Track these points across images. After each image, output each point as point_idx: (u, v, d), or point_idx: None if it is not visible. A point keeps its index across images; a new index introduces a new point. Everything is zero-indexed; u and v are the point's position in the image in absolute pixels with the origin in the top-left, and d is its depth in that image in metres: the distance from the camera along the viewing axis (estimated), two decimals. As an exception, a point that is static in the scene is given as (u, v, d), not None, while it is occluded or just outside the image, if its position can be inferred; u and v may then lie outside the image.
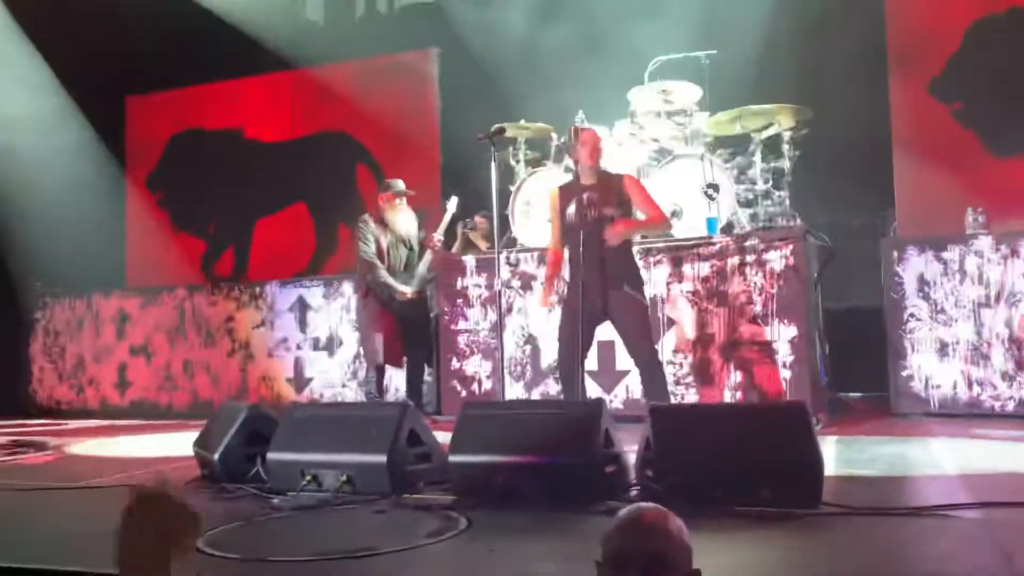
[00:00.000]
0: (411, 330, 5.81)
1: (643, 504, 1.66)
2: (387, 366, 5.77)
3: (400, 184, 5.88)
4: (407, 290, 5.71)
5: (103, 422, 7.00)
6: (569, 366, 4.51)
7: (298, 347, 6.86)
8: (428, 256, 5.83)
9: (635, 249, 4.97)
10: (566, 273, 4.67)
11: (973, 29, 6.57)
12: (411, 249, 5.88)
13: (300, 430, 3.69)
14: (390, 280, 5.70)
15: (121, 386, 7.46)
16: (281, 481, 3.56)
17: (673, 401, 5.32)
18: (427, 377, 6.17)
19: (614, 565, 1.57)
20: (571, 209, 4.50)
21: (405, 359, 5.83)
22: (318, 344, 6.80)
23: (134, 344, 7.44)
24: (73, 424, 6.92)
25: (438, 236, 5.84)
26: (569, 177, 5.04)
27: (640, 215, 4.67)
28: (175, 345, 7.30)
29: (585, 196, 4.44)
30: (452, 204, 5.93)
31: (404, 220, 5.84)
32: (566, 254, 4.66)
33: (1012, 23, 6.46)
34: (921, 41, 6.69)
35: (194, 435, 4.18)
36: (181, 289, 7.40)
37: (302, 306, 6.89)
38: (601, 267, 4.35)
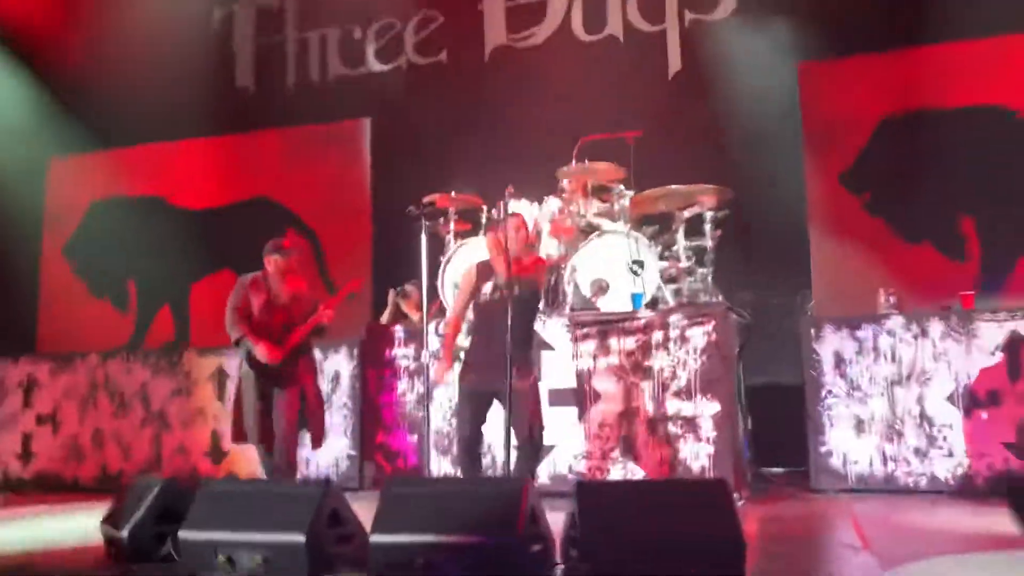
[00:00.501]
0: (277, 403, 5.10)
1: None
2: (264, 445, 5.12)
3: (282, 246, 5.33)
4: (267, 351, 5.00)
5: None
6: (473, 446, 4.55)
7: (215, 418, 6.63)
8: (304, 325, 5.11)
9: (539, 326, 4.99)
10: (464, 347, 4.75)
11: (882, 125, 6.96)
12: (291, 318, 5.15)
13: (215, 507, 3.55)
14: (248, 341, 5.05)
15: (24, 457, 7.07)
16: (194, 561, 3.41)
17: (598, 474, 5.33)
18: (310, 455, 5.95)
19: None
20: (486, 288, 4.58)
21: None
22: (237, 415, 6.58)
23: (41, 413, 7.09)
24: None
25: (331, 306, 5.18)
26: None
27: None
28: (85, 414, 6.99)
29: (501, 280, 4.49)
30: (356, 286, 5.47)
31: (286, 285, 5.22)
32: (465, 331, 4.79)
33: (918, 122, 6.87)
34: (833, 132, 7.05)
35: (101, 511, 3.98)
36: (94, 355, 7.12)
37: (220, 375, 6.69)
38: (505, 348, 4.31)
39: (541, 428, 4.57)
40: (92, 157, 8.99)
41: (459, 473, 4.92)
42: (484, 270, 4.69)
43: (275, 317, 5.18)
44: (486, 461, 5.27)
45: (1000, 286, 6.16)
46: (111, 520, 3.84)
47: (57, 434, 7.02)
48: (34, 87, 8.58)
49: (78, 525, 4.80)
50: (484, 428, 4.56)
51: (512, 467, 4.46)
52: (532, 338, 4.80)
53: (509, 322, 4.29)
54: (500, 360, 4.29)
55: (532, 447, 4.54)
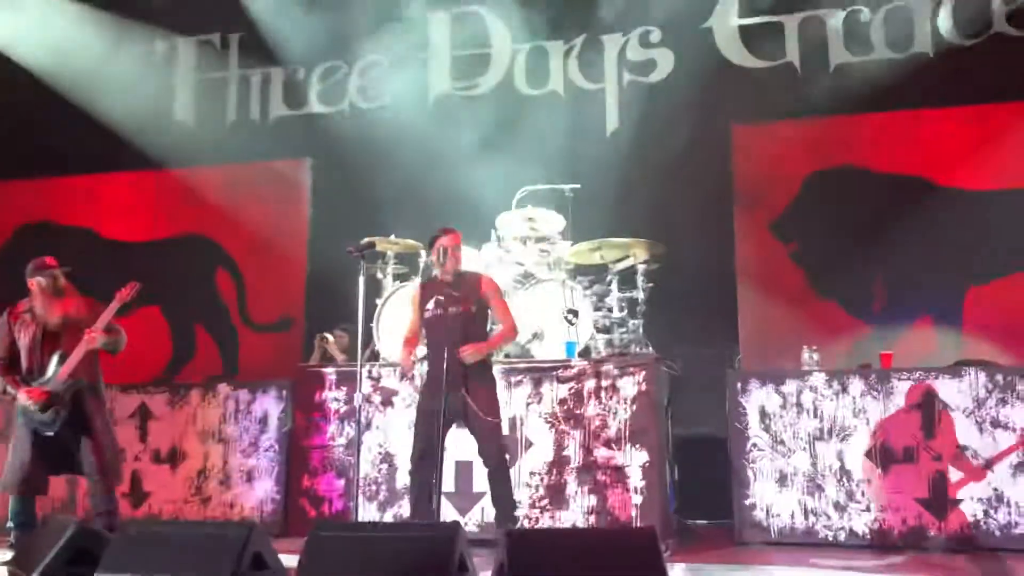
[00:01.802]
0: (55, 448, 4.77)
1: None
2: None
3: (46, 264, 4.94)
4: (28, 395, 4.66)
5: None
6: (426, 471, 4.49)
7: (136, 458, 6.42)
8: (74, 354, 4.76)
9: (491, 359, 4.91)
10: (423, 369, 4.79)
11: (810, 179, 7.27)
12: (66, 346, 4.79)
13: (133, 550, 3.45)
14: (11, 389, 4.77)
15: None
16: (107, 607, 3.29)
17: (526, 522, 5.32)
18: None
19: None
20: (430, 305, 4.64)
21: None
22: (159, 456, 6.40)
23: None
24: None
25: (98, 328, 4.82)
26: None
27: (496, 320, 4.87)
28: (-5, 453, 6.69)
29: (443, 295, 4.59)
30: (127, 292, 5.07)
31: (55, 308, 4.85)
32: (422, 351, 4.84)
33: (844, 177, 7.22)
34: (764, 188, 7.33)
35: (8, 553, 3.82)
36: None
37: (144, 414, 6.50)
38: (458, 366, 4.44)
39: (504, 451, 4.60)
40: (19, 184, 8.74)
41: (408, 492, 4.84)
42: (428, 287, 4.79)
43: (45, 349, 4.77)
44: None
45: (892, 344, 6.37)
46: (19, 562, 3.69)
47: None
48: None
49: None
50: (438, 450, 4.38)
51: (490, 494, 4.57)
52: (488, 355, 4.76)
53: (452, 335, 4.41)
54: (448, 376, 4.35)
55: (503, 471, 4.57)
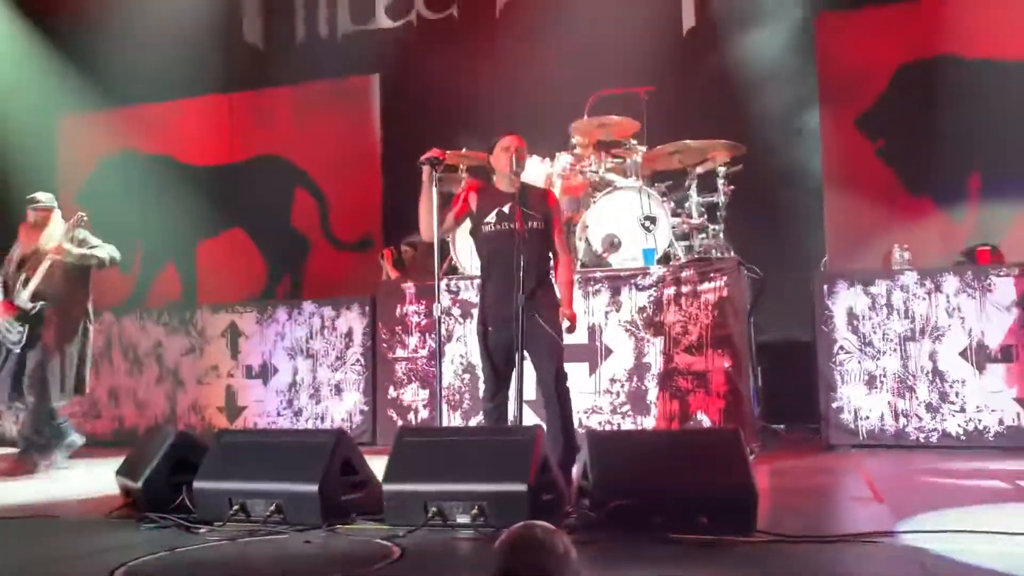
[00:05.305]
0: (22, 363, 5.33)
1: (531, 522, 1.77)
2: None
3: (37, 197, 5.49)
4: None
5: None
6: (496, 405, 4.17)
7: (230, 374, 6.68)
8: (36, 273, 5.29)
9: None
10: (483, 291, 4.32)
11: (901, 71, 6.85)
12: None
13: (229, 458, 3.58)
14: None
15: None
16: (208, 511, 3.45)
17: (608, 427, 5.35)
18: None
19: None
20: (491, 218, 4.18)
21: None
22: (251, 372, 6.64)
23: (56, 370, 7.15)
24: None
25: (52, 246, 5.30)
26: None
27: (551, 245, 4.29)
28: (100, 372, 7.04)
29: (508, 207, 4.10)
30: (76, 220, 5.45)
31: (34, 237, 5.38)
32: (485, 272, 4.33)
33: (937, 68, 6.77)
34: (850, 81, 6.95)
35: (118, 463, 4.03)
36: (108, 314, 7.15)
37: (234, 332, 6.73)
38: (520, 286, 3.91)
39: (564, 377, 4.15)
40: (101, 115, 8.95)
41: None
42: (487, 193, 4.26)
43: (22, 273, 5.36)
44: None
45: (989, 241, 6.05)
46: (127, 471, 3.88)
47: (73, 390, 7.08)
48: (44, 46, 8.52)
49: (95, 476, 4.86)
50: (509, 384, 4.09)
51: (545, 424, 4.07)
52: (549, 274, 4.24)
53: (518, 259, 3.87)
54: (519, 298, 3.88)
55: (564, 397, 4.13)
